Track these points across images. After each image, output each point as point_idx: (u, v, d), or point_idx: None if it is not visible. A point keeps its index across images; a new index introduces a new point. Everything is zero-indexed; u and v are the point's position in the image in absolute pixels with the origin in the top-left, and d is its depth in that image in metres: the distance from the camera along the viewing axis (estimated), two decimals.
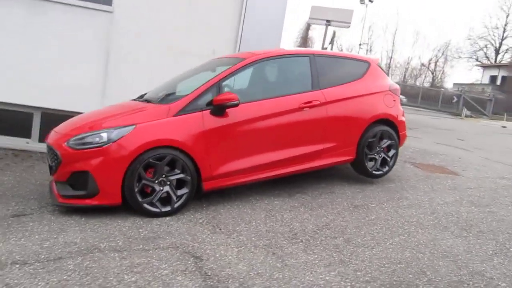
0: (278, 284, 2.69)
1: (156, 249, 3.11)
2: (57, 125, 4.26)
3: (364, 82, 4.83)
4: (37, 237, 3.22)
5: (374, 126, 4.77)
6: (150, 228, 3.49)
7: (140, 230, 3.45)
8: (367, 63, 4.98)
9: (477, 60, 48.22)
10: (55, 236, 3.24)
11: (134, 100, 4.75)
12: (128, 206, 3.69)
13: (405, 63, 51.19)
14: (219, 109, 3.89)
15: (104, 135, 3.58)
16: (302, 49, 5.25)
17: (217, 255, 3.06)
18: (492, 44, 47.57)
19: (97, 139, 3.58)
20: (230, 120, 3.95)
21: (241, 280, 2.72)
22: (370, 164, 4.83)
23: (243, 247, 3.23)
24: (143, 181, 3.63)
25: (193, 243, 3.24)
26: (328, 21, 7.52)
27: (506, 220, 4.16)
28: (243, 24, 7.12)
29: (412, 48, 75.91)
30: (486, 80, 43.88)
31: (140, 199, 3.63)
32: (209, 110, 3.90)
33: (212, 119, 3.89)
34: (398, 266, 3.04)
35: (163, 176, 3.69)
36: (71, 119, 4.41)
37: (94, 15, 6.50)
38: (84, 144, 3.60)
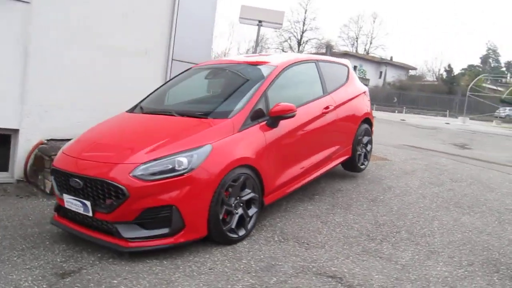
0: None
1: (292, 277, 2.90)
2: (67, 149, 3.38)
3: (350, 84, 5.26)
4: None
5: (361, 125, 5.26)
6: (251, 256, 3.19)
7: (244, 261, 3.12)
8: (346, 66, 5.41)
9: (283, 50, 54.60)
10: None
11: (130, 112, 4.09)
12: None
13: (223, 54, 54.18)
14: (275, 120, 3.74)
15: (184, 160, 3.05)
16: (308, 55, 5.32)
17: (345, 270, 3.07)
18: (295, 36, 54.86)
19: (176, 166, 3.03)
20: (281, 130, 3.85)
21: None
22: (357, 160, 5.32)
23: (351, 257, 3.29)
24: (225, 207, 3.26)
25: (308, 264, 3.13)
26: (260, 21, 7.58)
27: (469, 195, 5.22)
28: (176, 23, 6.64)
29: (228, 40, 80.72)
30: None
31: (223, 227, 3.25)
32: (265, 122, 3.70)
33: (269, 131, 3.72)
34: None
35: (237, 198, 3.38)
36: (80, 140, 3.54)
37: (7, 6, 5.10)
38: (160, 173, 3.00)
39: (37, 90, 5.47)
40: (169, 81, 4.64)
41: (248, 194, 3.46)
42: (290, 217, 4.08)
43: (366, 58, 58.66)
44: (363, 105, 5.36)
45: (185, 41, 6.75)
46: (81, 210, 3.16)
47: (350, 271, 3.05)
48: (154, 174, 2.99)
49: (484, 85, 33.40)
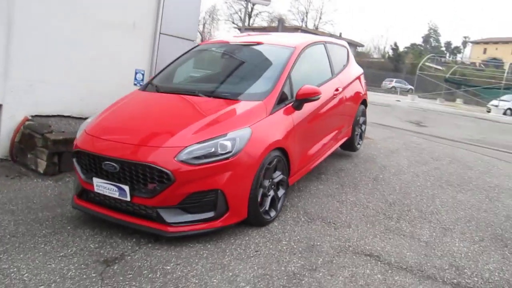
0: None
1: (335, 257, 3.03)
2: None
3: (350, 66, 5.38)
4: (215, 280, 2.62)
5: (359, 106, 5.42)
6: (288, 237, 3.28)
7: (284, 242, 3.20)
8: (345, 48, 5.50)
9: (233, 22, 53.73)
10: (221, 275, 2.70)
11: (142, 90, 3.97)
12: None
13: None
14: (300, 103, 3.77)
15: (228, 144, 3.02)
16: (315, 36, 5.30)
17: (378, 248, 3.24)
18: (246, 8, 53.89)
19: (219, 150, 2.99)
20: (304, 113, 3.90)
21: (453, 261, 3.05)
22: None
23: (378, 236, 3.47)
24: (261, 189, 3.30)
25: (343, 243, 3.27)
26: None
27: (454, 174, 5.61)
28: None
29: None
30: None
31: (260, 210, 3.30)
32: (291, 105, 3.73)
33: (295, 113, 3.75)
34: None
35: (270, 180, 3.43)
36: (103, 121, 3.38)
37: None
38: (205, 157, 2.95)
39: (21, 64, 5.08)
40: (177, 59, 4.47)
41: (278, 176, 3.51)
42: (306, 197, 4.19)
43: (316, 34, 59.29)
44: (361, 87, 5.52)
45: (172, 14, 6.49)
46: (115, 195, 3.05)
47: (383, 249, 3.22)
48: (198, 158, 2.94)
49: (427, 64, 35.13)
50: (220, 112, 3.32)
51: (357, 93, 5.30)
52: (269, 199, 3.41)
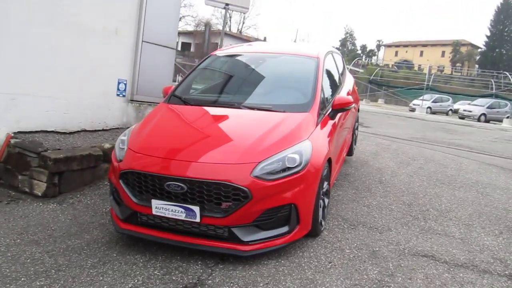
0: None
1: (400, 260, 3.16)
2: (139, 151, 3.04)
3: (347, 73, 5.58)
4: None
5: (357, 112, 5.66)
6: (346, 245, 3.36)
7: (348, 251, 3.27)
8: (340, 55, 5.69)
9: None
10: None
11: (166, 102, 3.82)
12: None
13: None
14: (336, 112, 3.87)
15: (296, 157, 3.01)
16: (321, 45, 5.36)
17: (428, 248, 3.44)
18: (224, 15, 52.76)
19: (287, 163, 2.97)
20: (336, 122, 3.99)
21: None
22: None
23: (419, 237, 3.69)
24: (320, 200, 3.33)
25: (396, 246, 3.43)
26: (227, 4, 7.16)
27: (438, 172, 6.08)
28: (146, 2, 6.08)
29: None
30: None
31: (318, 220, 3.33)
32: (327, 114, 3.81)
33: (330, 122, 3.84)
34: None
35: (322, 190, 3.48)
36: (148, 137, 3.20)
37: None
38: (277, 172, 2.91)
39: (2, 76, 4.57)
40: (192, 71, 4.31)
41: (326, 186, 3.56)
42: (333, 203, 4.29)
43: (242, 38, 59.91)
44: (356, 93, 5.75)
45: (154, 22, 6.23)
46: (181, 217, 2.88)
47: (432, 249, 3.43)
48: (271, 173, 2.90)
49: (352, 68, 37.32)
50: (275, 125, 3.29)
51: (357, 99, 5.52)
52: (321, 209, 3.44)
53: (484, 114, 24.71)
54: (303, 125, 3.35)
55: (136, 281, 2.76)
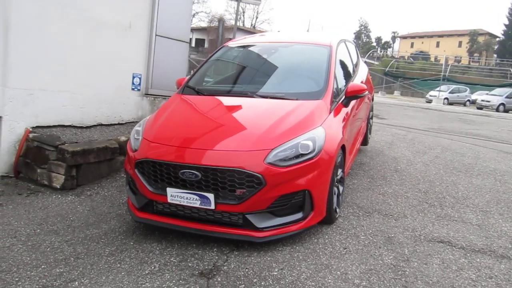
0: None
1: (416, 246, 3.14)
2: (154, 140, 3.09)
3: (360, 62, 5.54)
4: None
5: (371, 101, 5.61)
6: (361, 232, 3.35)
7: (363, 237, 3.26)
8: (353, 44, 5.65)
9: None
10: (331, 274, 2.71)
11: (180, 93, 3.84)
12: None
13: None
14: (349, 100, 3.85)
15: (310, 143, 3.01)
16: (335, 35, 5.34)
17: (444, 234, 3.41)
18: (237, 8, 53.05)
19: (301, 150, 2.97)
20: (349, 109, 3.97)
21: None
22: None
23: (435, 223, 3.65)
24: (334, 187, 3.32)
25: (412, 233, 3.41)
26: None
27: (455, 161, 6.00)
28: None
29: None
30: None
31: (333, 207, 3.32)
32: (341, 102, 3.79)
33: (343, 110, 3.82)
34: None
35: (336, 177, 3.47)
36: (162, 127, 3.24)
37: None
38: (291, 158, 2.92)
39: (20, 70, 4.69)
40: (205, 62, 4.34)
41: (340, 174, 3.55)
42: (349, 192, 4.27)
43: (255, 32, 59.52)
44: (370, 82, 5.70)
45: (167, 15, 6.27)
46: (196, 204, 2.92)
47: (448, 235, 3.39)
48: (284, 159, 2.90)
49: (367, 60, 36.99)
50: (288, 113, 3.29)
51: (371, 88, 5.48)
52: (335, 196, 3.44)
53: (503, 104, 24.18)
54: (316, 112, 3.34)
55: (153, 267, 2.81)
